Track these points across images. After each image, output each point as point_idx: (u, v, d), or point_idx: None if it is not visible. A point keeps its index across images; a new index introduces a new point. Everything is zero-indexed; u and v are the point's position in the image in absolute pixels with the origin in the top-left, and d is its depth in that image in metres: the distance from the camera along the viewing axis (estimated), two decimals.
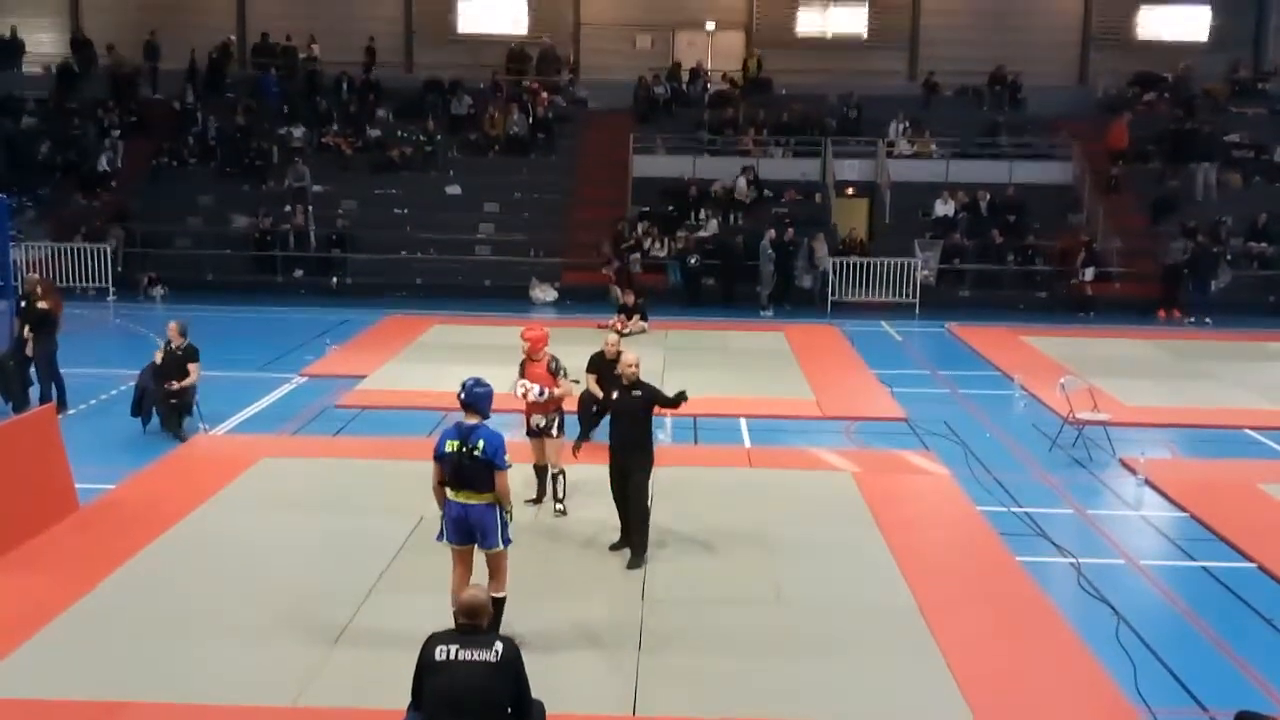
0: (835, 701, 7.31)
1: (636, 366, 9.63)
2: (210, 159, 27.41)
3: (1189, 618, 8.84)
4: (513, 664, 5.53)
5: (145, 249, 24.93)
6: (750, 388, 15.98)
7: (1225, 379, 17.35)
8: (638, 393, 9.46)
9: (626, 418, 9.50)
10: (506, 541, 7.72)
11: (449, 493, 7.66)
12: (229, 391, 14.77)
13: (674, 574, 9.22)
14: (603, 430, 13.19)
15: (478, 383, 7.84)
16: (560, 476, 10.45)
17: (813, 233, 24.61)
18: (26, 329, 13.84)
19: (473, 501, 7.59)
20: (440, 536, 7.81)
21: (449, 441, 7.64)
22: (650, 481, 9.58)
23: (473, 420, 7.71)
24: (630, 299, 20.86)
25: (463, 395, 7.78)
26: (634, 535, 9.43)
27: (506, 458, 7.60)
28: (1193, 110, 28.28)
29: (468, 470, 7.55)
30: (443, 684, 5.43)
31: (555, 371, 10.38)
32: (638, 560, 9.33)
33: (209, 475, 11.45)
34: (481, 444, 7.53)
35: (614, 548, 9.60)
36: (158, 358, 13.30)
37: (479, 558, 7.76)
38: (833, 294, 23.85)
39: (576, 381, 11.03)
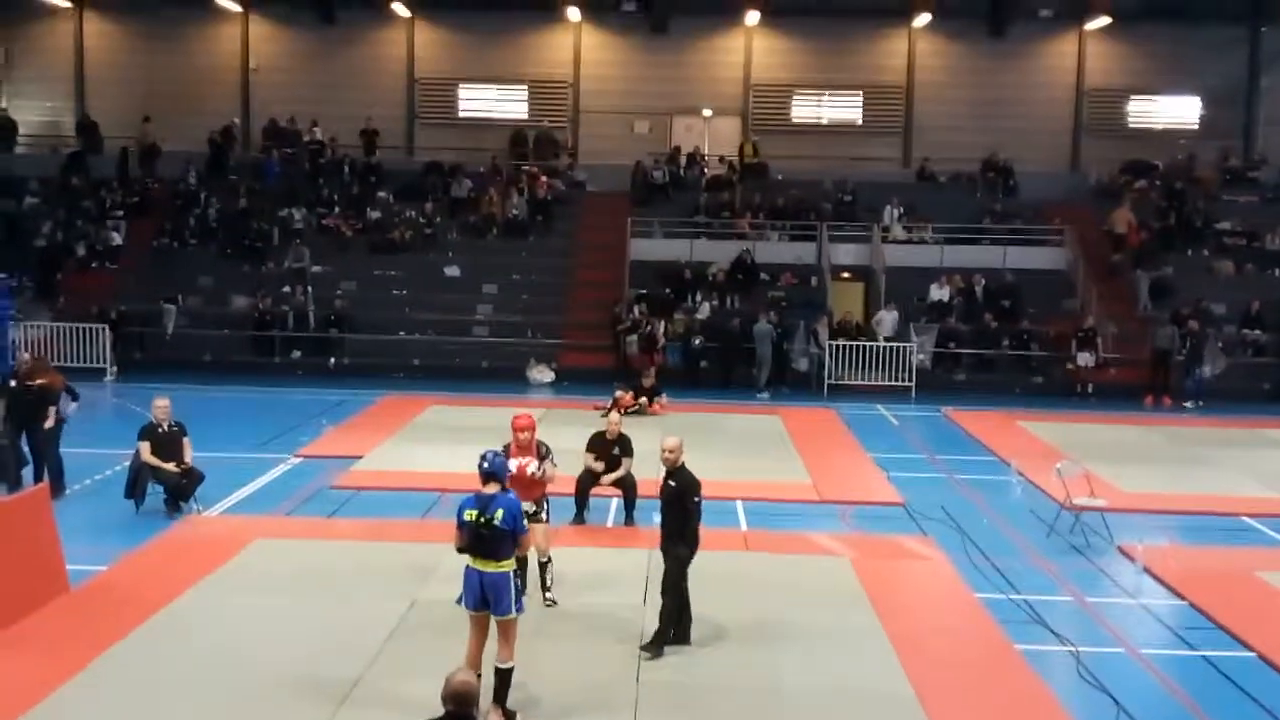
0: None
1: (671, 453, 9.40)
2: (211, 240, 27.63)
3: (1189, 707, 8.73)
4: None
5: (142, 328, 24.99)
6: (747, 470, 15.94)
7: (1222, 465, 17.33)
8: (672, 483, 9.33)
9: (663, 505, 9.44)
10: (520, 609, 7.93)
11: (468, 559, 7.85)
12: (224, 472, 14.70)
13: (669, 659, 9.11)
14: (599, 513, 13.23)
15: (498, 454, 8.26)
16: (548, 565, 10.23)
17: (815, 316, 24.79)
18: (53, 413, 13.73)
19: (489, 570, 7.77)
20: (460, 601, 8.03)
21: (468, 511, 7.87)
22: (685, 571, 9.26)
23: (491, 490, 7.90)
24: (650, 380, 20.92)
25: (484, 465, 8.02)
26: (659, 621, 9.27)
27: (525, 523, 8.01)
28: (1184, 198, 28.66)
29: (486, 539, 7.77)
30: None
31: (545, 456, 10.34)
32: (650, 648, 9.15)
33: (201, 557, 11.35)
34: (500, 514, 7.78)
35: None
36: (145, 450, 13.16)
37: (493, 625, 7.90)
38: (829, 377, 23.91)
39: (557, 467, 10.93)
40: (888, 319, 24.71)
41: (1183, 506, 14.81)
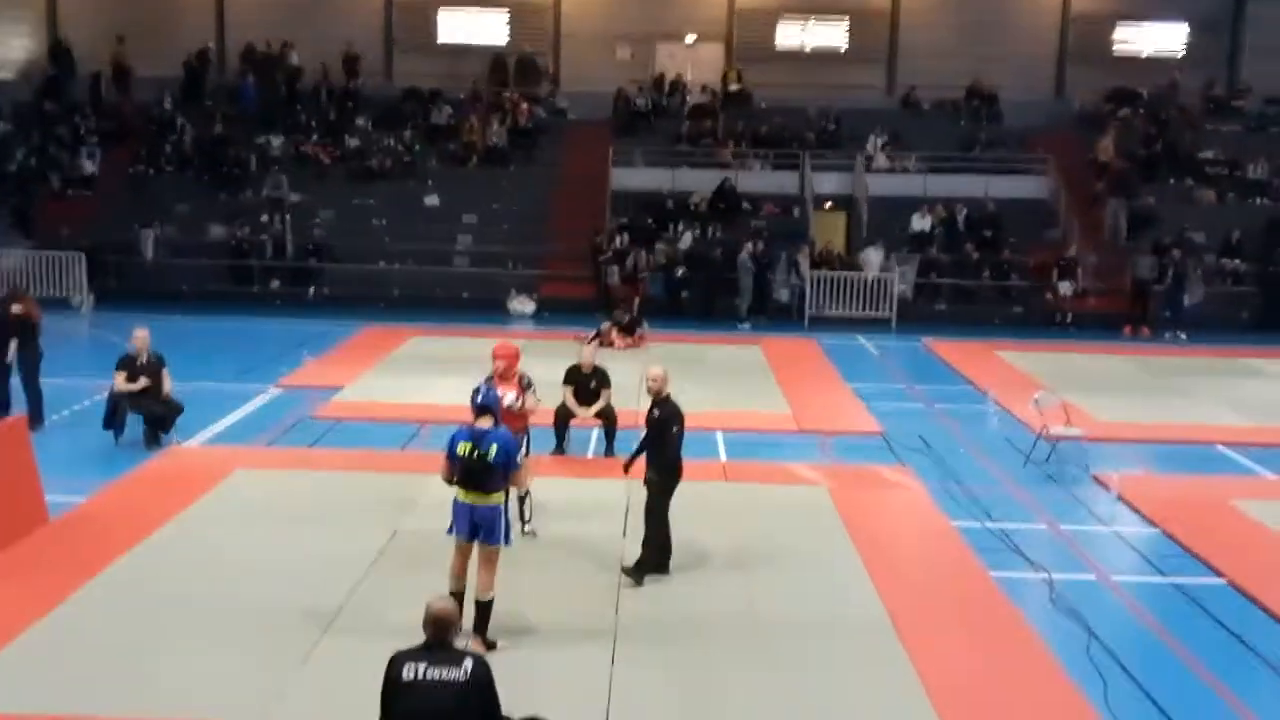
0: (806, 714, 7.31)
1: (655, 382, 9.48)
2: (187, 167, 27.28)
3: (1160, 634, 8.89)
4: (482, 683, 5.49)
5: (118, 257, 24.74)
6: (727, 401, 15.99)
7: (1199, 394, 17.47)
8: (656, 412, 9.40)
9: (647, 434, 9.52)
10: (508, 541, 8.01)
11: (458, 492, 7.90)
12: (204, 403, 14.67)
13: (648, 588, 9.21)
14: (579, 444, 13.27)
15: (492, 387, 8.39)
16: (527, 498, 10.22)
17: (797, 246, 24.71)
18: (13, 343, 13.67)
19: (480, 503, 7.84)
20: (450, 530, 8.05)
21: (461, 443, 7.88)
22: (669, 500, 9.40)
23: (485, 424, 7.91)
24: (628, 315, 20.87)
25: (478, 399, 8.07)
26: (642, 549, 9.38)
27: (519, 457, 8.07)
28: (1168, 127, 28.55)
29: (479, 473, 7.81)
30: (411, 705, 5.38)
31: (527, 387, 10.34)
32: (633, 573, 9.26)
33: (182, 487, 11.36)
34: (494, 449, 7.81)
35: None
36: (119, 380, 13.07)
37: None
38: (810, 308, 23.91)
39: (540, 401, 10.95)
40: (874, 258, 24.55)
41: (1158, 435, 14.95)
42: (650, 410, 9.50)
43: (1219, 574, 10.02)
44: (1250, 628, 8.93)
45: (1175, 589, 9.82)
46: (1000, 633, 8.69)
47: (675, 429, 9.33)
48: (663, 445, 9.36)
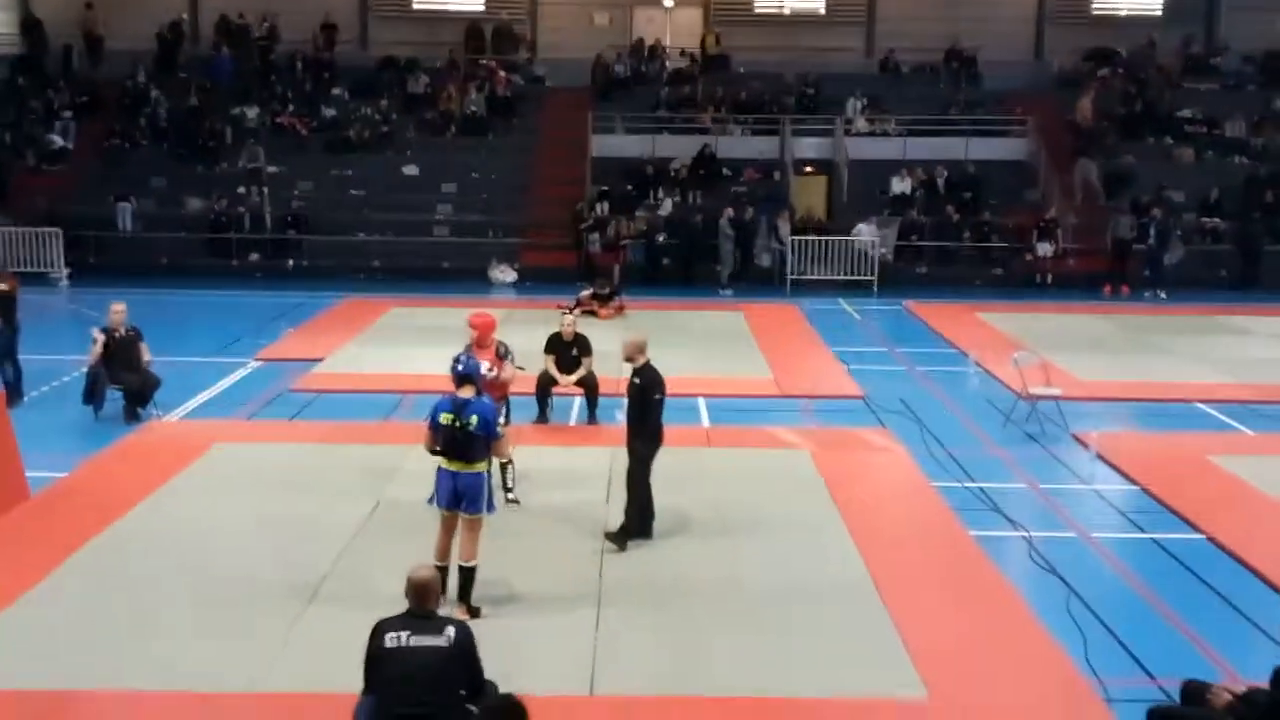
0: (790, 676, 7.37)
1: (633, 349, 9.49)
2: (163, 139, 27.03)
3: (1139, 589, 8.98)
4: (464, 648, 5.53)
5: (95, 231, 24.54)
6: (709, 367, 16.00)
7: (1177, 353, 17.57)
8: (636, 380, 9.40)
9: (628, 402, 9.53)
10: (491, 508, 8.07)
11: (441, 461, 7.94)
12: (183, 377, 14.62)
13: (631, 553, 9.25)
14: (561, 412, 13.28)
15: (472, 356, 8.42)
16: (509, 466, 10.19)
17: (776, 210, 24.66)
18: None
19: (462, 471, 7.87)
20: (432, 500, 8.09)
21: (443, 414, 7.93)
22: (649, 467, 9.42)
23: (467, 394, 7.96)
24: (608, 286, 20.75)
25: (459, 369, 8.11)
26: (625, 515, 9.40)
27: (499, 427, 8.12)
28: (1146, 86, 28.55)
29: (460, 442, 7.86)
30: (395, 671, 5.42)
31: (504, 355, 10.33)
32: (615, 539, 9.28)
33: (162, 461, 11.33)
34: (475, 419, 7.85)
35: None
36: (96, 346, 13.00)
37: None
38: (791, 272, 23.91)
39: (521, 368, 10.95)
40: (866, 231, 24.43)
41: (1137, 394, 15.05)
42: (631, 378, 9.51)
43: (1197, 529, 10.12)
44: (1228, 582, 9.02)
45: (1154, 545, 9.91)
46: (981, 591, 8.76)
47: (656, 396, 9.35)
48: (643, 413, 9.37)
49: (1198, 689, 6.41)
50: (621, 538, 9.32)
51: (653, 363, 9.50)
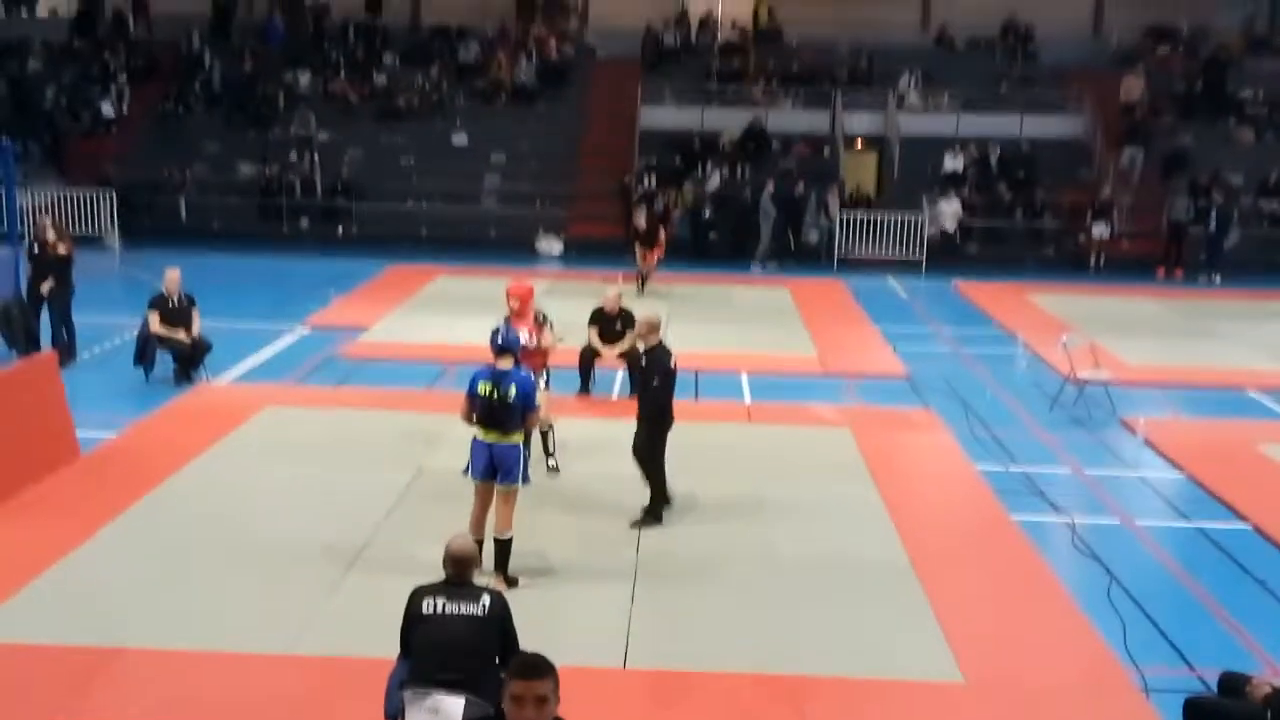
0: (826, 656, 7.35)
1: (645, 328, 9.48)
2: (216, 105, 27.27)
3: (1182, 578, 8.87)
4: (499, 617, 5.57)
5: (149, 196, 24.84)
6: (753, 343, 15.96)
7: (1230, 338, 17.28)
8: (644, 362, 9.39)
9: (639, 382, 9.52)
10: (525, 480, 8.14)
11: (478, 431, 7.97)
12: (233, 341, 14.80)
13: (669, 528, 9.27)
14: (603, 385, 13.30)
15: (511, 327, 8.46)
16: (550, 433, 10.32)
17: (826, 186, 24.45)
18: (49, 278, 13.77)
19: (499, 442, 7.91)
20: (467, 471, 8.16)
21: (482, 383, 7.95)
22: (656, 446, 9.39)
23: (505, 365, 7.99)
24: (650, 268, 20.33)
25: (498, 340, 8.11)
26: (650, 493, 9.39)
27: (538, 397, 8.12)
28: (1206, 65, 27.97)
29: (498, 412, 7.90)
30: (431, 637, 5.47)
31: (543, 323, 10.36)
32: (643, 523, 9.25)
33: (211, 424, 11.49)
34: (513, 390, 7.88)
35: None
36: (154, 320, 13.16)
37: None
38: (840, 249, 23.72)
39: (561, 339, 10.98)
40: (948, 210, 24.13)
41: (1188, 379, 14.82)
42: (641, 358, 9.49)
43: (1244, 519, 9.97)
44: (1274, 573, 8.88)
45: (1199, 533, 9.78)
46: (1020, 575, 8.69)
47: (656, 381, 9.24)
48: (645, 394, 9.36)
49: (1236, 680, 6.34)
50: (649, 520, 9.30)
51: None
